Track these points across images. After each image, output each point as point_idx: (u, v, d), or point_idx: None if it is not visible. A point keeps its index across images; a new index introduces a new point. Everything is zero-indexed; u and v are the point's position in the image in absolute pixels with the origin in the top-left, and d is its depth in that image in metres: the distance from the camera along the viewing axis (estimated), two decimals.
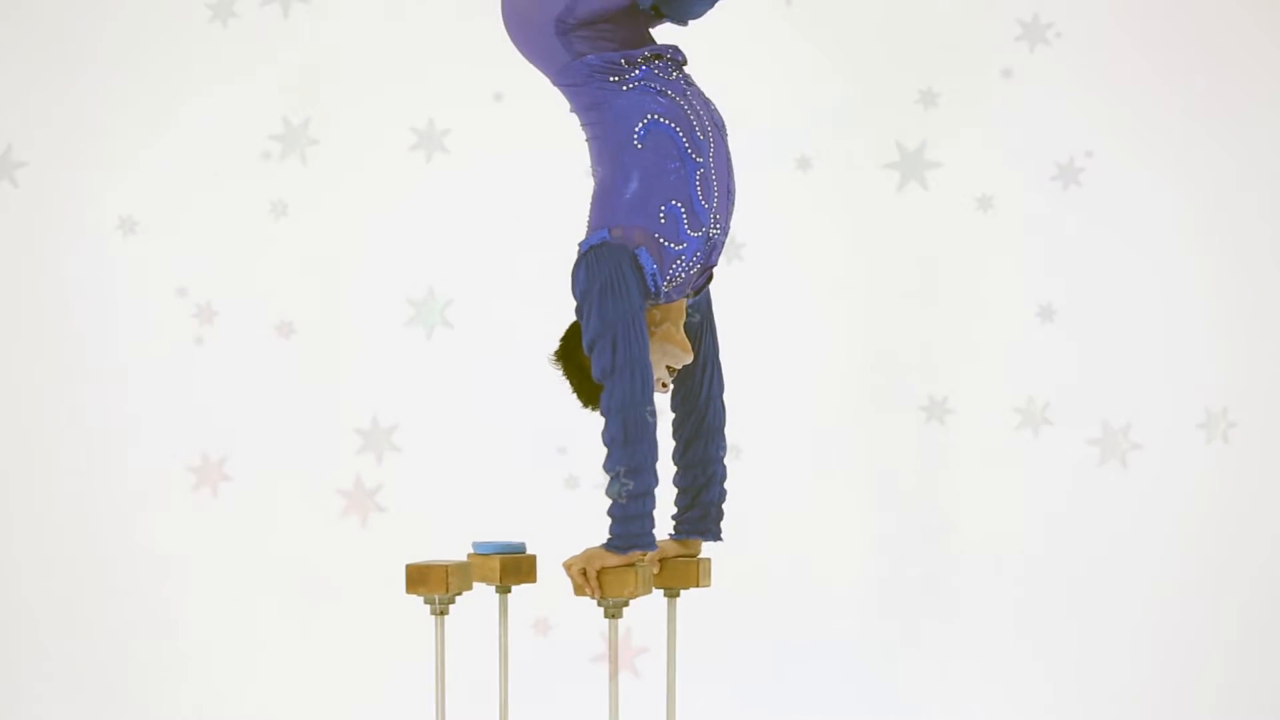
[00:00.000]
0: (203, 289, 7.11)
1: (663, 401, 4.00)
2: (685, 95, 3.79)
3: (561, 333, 3.98)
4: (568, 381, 3.95)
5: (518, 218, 7.14)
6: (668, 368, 3.92)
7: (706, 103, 3.86)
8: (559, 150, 6.51)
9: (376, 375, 7.15)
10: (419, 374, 7.12)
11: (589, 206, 3.84)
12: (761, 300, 7.03)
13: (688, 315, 3.98)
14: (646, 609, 4.32)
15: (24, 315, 7.18)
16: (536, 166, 7.07)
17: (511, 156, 7.10)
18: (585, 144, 3.90)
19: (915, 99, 6.91)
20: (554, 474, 6.90)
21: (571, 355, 3.89)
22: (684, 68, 3.86)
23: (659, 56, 3.79)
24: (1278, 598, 6.94)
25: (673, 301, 3.88)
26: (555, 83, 3.90)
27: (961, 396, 7.00)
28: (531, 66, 4.07)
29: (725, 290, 7.02)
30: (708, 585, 4.17)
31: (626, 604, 3.79)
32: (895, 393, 7.09)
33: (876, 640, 7.03)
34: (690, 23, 3.95)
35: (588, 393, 3.87)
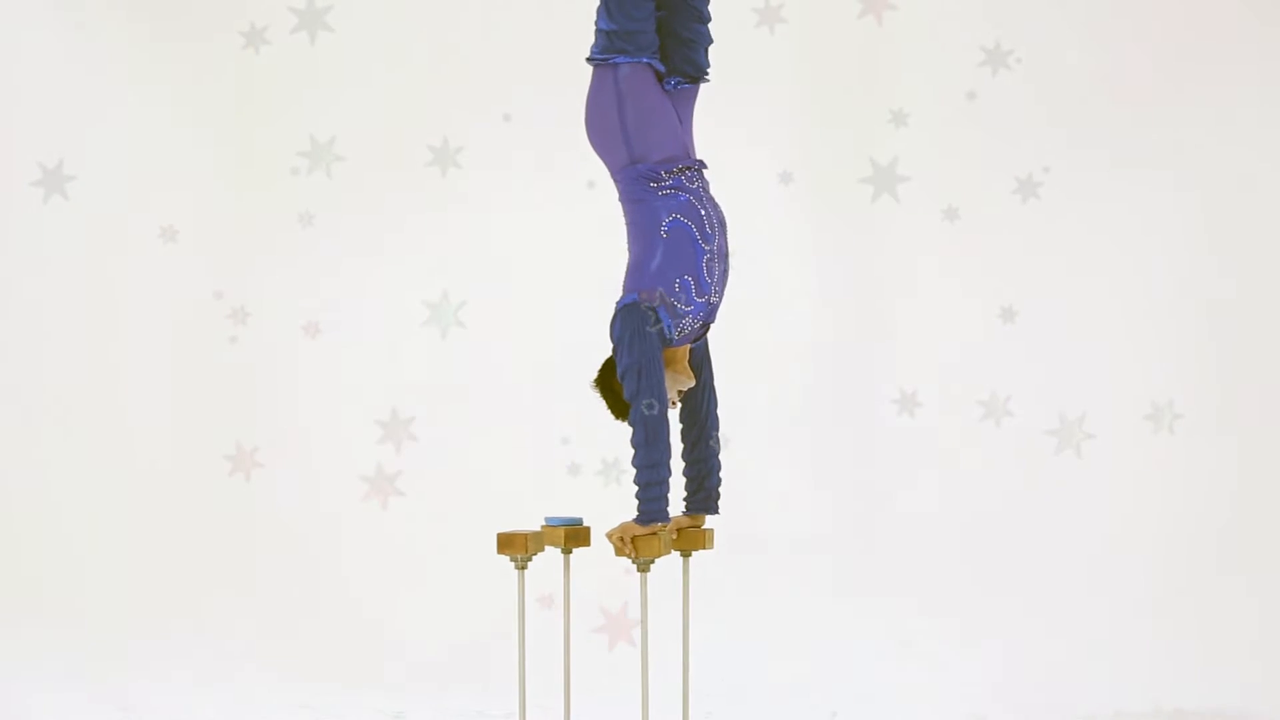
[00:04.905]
0: (237, 292, 7.31)
1: (672, 415, 4.86)
2: (701, 200, 4.80)
3: (598, 366, 4.85)
4: (603, 400, 4.81)
5: (525, 227, 7.37)
6: (677, 391, 4.88)
7: (715, 205, 4.86)
8: (562, 165, 7.03)
9: (395, 371, 7.36)
10: (434, 370, 7.33)
11: (624, 274, 4.77)
12: (747, 302, 7.00)
13: (691, 354, 4.94)
14: (665, 566, 5.09)
15: (74, 316, 7.41)
16: (542, 180, 7.33)
17: (519, 171, 7.34)
18: (625, 227, 4.84)
19: (887, 119, 7.04)
20: (558, 462, 7.11)
21: (606, 382, 4.79)
22: (704, 172, 4.86)
23: (689, 168, 4.80)
24: (1217, 571, 7.10)
25: (680, 346, 4.83)
26: (612, 175, 4.84)
27: (930, 390, 7.18)
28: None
29: None
30: (711, 548, 5.10)
31: (653, 561, 4.72)
32: (869, 387, 7.28)
33: (848, 602, 7.22)
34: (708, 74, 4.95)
35: (619, 409, 4.78)
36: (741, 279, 7.13)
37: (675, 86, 4.87)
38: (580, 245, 7.18)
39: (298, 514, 7.39)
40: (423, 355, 7.33)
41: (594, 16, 4.85)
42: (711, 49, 5.03)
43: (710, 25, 4.98)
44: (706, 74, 4.97)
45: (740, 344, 7.12)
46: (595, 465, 6.76)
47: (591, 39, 4.87)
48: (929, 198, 7.17)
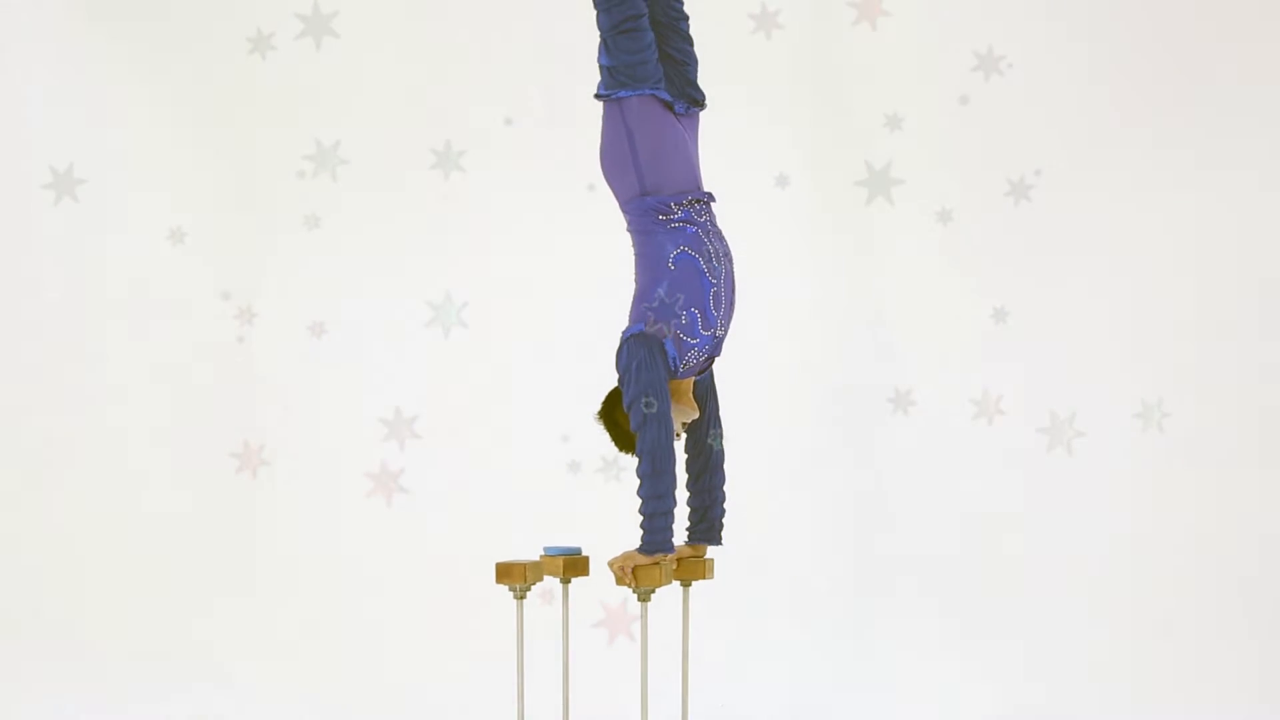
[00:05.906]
0: (243, 293, 7.40)
1: (678, 446, 4.81)
2: (709, 233, 4.79)
3: (601, 398, 4.82)
4: (607, 433, 4.78)
5: (525, 229, 7.43)
6: (681, 423, 4.83)
7: (722, 238, 4.84)
8: (562, 168, 7.14)
9: (399, 370, 7.43)
10: (437, 369, 7.41)
11: (630, 304, 4.75)
12: (742, 303, 7.06)
13: (696, 386, 4.92)
14: (666, 594, 5.12)
15: (84, 317, 7.51)
16: (542, 182, 7.38)
17: (520, 174, 7.40)
18: (633, 259, 4.82)
19: (882, 123, 7.09)
20: (558, 458, 7.14)
21: (610, 414, 4.76)
22: (712, 206, 4.85)
23: (698, 200, 4.80)
24: (1205, 565, 7.16)
25: (685, 378, 4.81)
26: (621, 206, 4.83)
27: (924, 390, 7.23)
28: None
29: None
30: (712, 578, 5.08)
31: (654, 591, 4.69)
32: (864, 386, 7.34)
33: (844, 602, 7.29)
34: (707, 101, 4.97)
35: (622, 441, 4.75)
36: (738, 279, 7.33)
37: (686, 110, 4.89)
38: (580, 246, 7.26)
39: (303, 510, 7.46)
40: (426, 355, 7.39)
41: (594, 19, 4.84)
42: (708, 55, 5.06)
43: (693, 47, 5.01)
44: (704, 99, 4.99)
45: (736, 344, 7.21)
46: (595, 463, 6.74)
47: (592, 38, 4.89)
48: (923, 200, 7.21)
